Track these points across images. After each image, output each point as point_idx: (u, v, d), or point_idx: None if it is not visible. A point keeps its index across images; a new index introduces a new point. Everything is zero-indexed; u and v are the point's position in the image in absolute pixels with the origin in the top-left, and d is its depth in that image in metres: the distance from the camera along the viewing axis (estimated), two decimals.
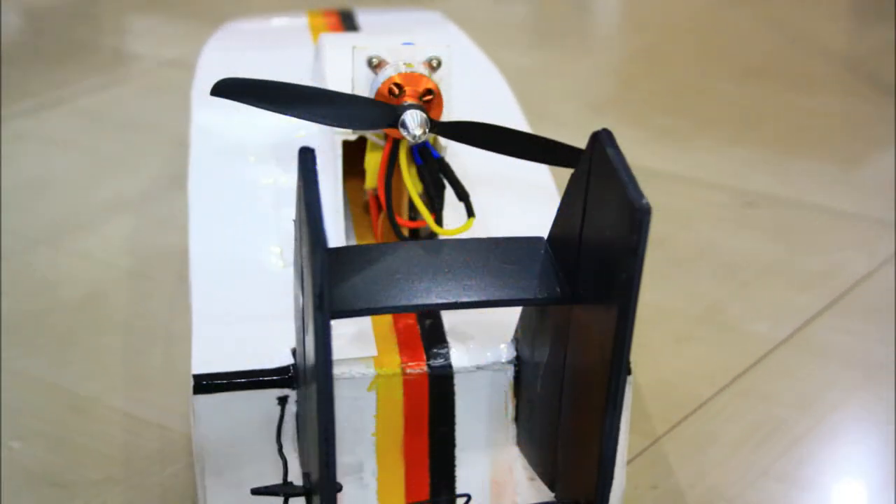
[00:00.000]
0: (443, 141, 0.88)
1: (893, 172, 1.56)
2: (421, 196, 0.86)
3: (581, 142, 0.73)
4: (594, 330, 0.71)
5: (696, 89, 1.88)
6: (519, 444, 0.84)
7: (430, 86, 0.84)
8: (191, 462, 1.00)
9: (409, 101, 0.83)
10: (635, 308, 0.67)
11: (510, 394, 0.83)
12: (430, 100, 0.84)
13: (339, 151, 0.90)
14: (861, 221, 1.46)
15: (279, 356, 0.81)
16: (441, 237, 0.85)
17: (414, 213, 0.92)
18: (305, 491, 0.77)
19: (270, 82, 0.82)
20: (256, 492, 0.77)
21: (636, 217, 0.64)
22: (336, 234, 0.90)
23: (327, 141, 0.91)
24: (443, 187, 0.87)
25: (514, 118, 1.07)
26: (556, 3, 2.37)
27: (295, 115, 0.82)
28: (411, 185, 0.86)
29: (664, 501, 1.00)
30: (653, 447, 1.06)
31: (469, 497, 0.84)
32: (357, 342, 0.82)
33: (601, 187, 0.69)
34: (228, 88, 0.82)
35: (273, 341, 0.82)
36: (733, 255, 1.38)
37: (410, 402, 0.82)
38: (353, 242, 0.95)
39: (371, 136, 0.88)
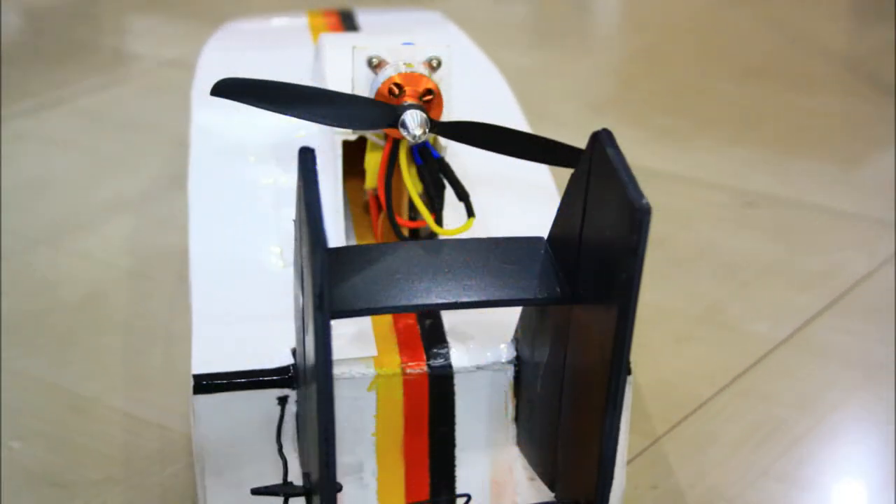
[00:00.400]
0: (443, 141, 0.88)
1: (893, 172, 1.56)
2: (421, 196, 0.86)
3: (581, 142, 0.73)
4: (594, 330, 0.71)
5: (696, 89, 1.88)
6: (519, 444, 0.84)
7: (430, 86, 0.84)
8: (191, 462, 1.00)
9: (409, 101, 0.83)
10: (635, 308, 0.67)
11: (510, 394, 0.83)
12: (430, 100, 0.84)
13: (339, 151, 0.90)
14: (861, 221, 1.45)
15: (279, 356, 0.81)
16: (441, 237, 0.85)
17: (414, 213, 0.92)
18: (305, 491, 0.76)
19: (270, 82, 0.82)
20: (256, 492, 0.77)
21: (636, 217, 0.64)
22: (336, 234, 0.90)
23: (327, 141, 0.91)
24: (443, 187, 0.87)
25: (514, 118, 1.07)
26: (556, 3, 2.36)
27: (295, 115, 0.82)
28: (411, 185, 0.86)
29: (664, 501, 1.00)
30: (653, 447, 1.06)
31: (469, 497, 0.84)
32: (357, 342, 0.82)
33: (601, 187, 0.69)
34: (228, 88, 0.82)
35: (273, 341, 0.82)
36: (733, 255, 1.38)
37: (410, 402, 0.82)
38: (353, 242, 0.94)
39: (371, 136, 0.88)
